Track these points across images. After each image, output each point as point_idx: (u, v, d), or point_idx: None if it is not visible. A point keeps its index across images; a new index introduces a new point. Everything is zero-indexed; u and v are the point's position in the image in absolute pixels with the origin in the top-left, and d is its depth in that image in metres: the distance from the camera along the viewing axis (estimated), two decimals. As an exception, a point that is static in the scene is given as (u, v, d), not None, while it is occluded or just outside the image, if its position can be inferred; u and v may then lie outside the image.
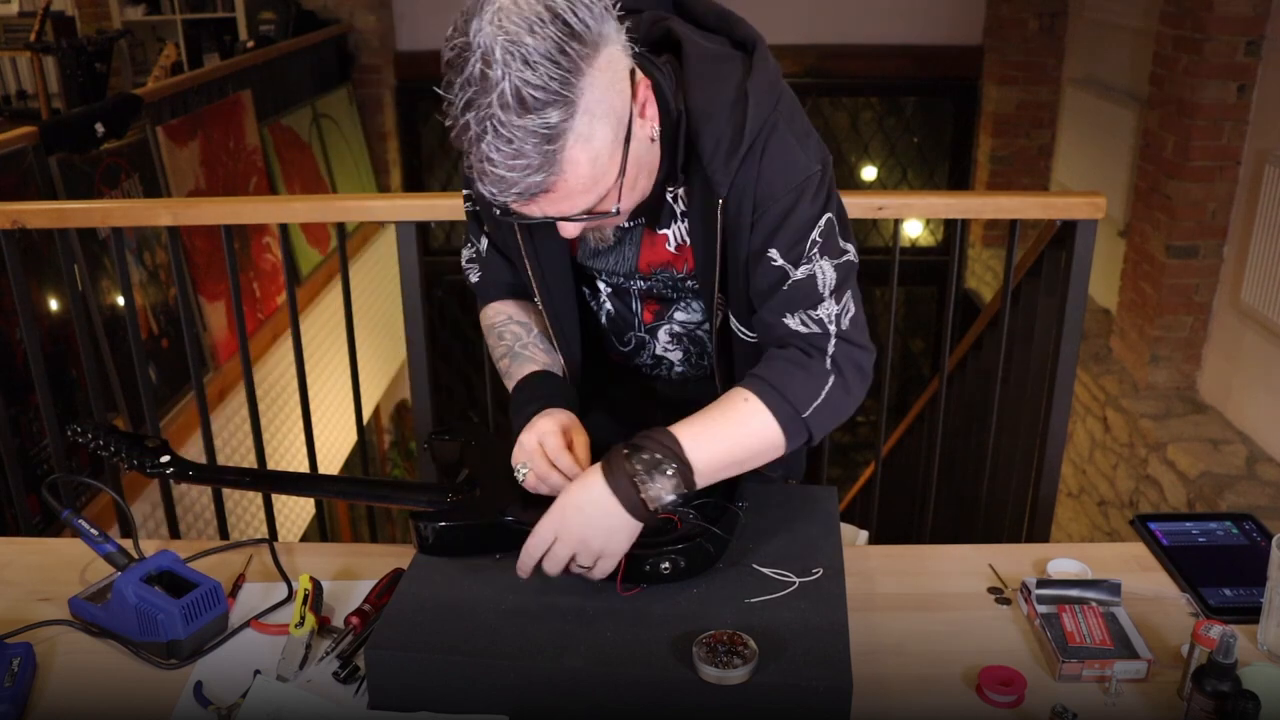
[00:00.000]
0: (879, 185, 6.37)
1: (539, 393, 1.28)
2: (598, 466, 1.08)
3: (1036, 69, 5.57)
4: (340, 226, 2.17)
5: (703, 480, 1.08)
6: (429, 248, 6.36)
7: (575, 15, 0.94)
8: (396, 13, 6.04)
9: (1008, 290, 2.15)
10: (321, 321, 4.61)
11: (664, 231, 1.22)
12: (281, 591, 1.28)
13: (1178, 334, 3.96)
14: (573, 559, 1.08)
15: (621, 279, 1.31)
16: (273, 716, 1.07)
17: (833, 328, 1.13)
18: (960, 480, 2.60)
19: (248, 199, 4.05)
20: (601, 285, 1.35)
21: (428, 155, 6.44)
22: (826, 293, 1.13)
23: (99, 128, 3.40)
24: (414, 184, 6.35)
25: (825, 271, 1.13)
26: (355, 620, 1.18)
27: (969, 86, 5.95)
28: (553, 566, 1.08)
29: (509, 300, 1.40)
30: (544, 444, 1.20)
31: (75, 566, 1.33)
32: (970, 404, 2.75)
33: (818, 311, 1.13)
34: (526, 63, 0.92)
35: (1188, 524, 1.41)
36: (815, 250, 1.12)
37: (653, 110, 1.07)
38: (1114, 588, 1.21)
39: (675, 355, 1.38)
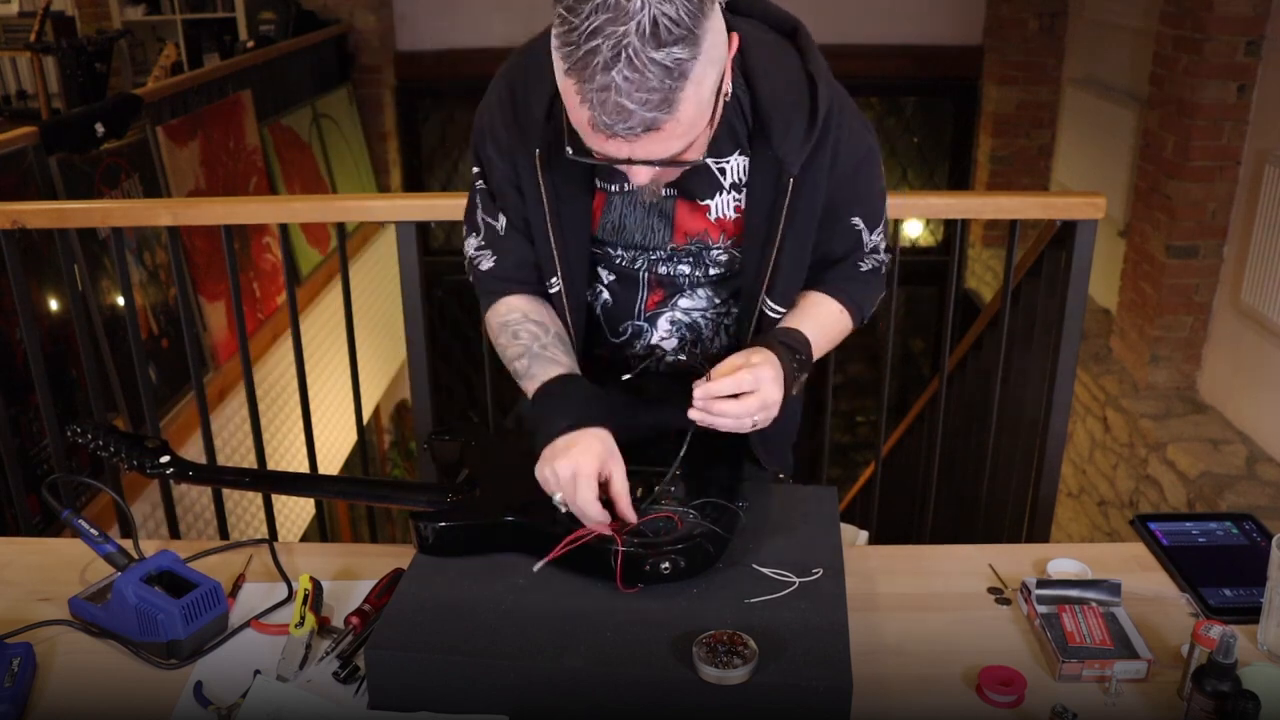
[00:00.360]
0: (879, 185, 6.36)
1: (570, 404, 1.21)
2: (774, 355, 1.18)
3: (1036, 69, 5.58)
4: (340, 226, 2.17)
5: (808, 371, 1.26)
6: (429, 248, 6.36)
7: None
8: (396, 13, 6.04)
9: (1008, 290, 2.15)
10: (321, 321, 4.61)
11: (706, 202, 1.24)
12: (281, 591, 1.28)
13: (1178, 334, 3.96)
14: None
15: (642, 255, 1.30)
16: (273, 716, 1.07)
17: (885, 256, 1.38)
18: (960, 480, 2.60)
19: (248, 199, 4.05)
20: (603, 272, 1.34)
21: (428, 155, 6.44)
22: (885, 235, 1.37)
23: (99, 128, 3.40)
24: (414, 184, 6.35)
25: (888, 226, 1.37)
26: (355, 620, 1.18)
27: (969, 86, 5.95)
28: (742, 409, 1.14)
29: (523, 296, 1.33)
30: (579, 488, 1.14)
31: (75, 566, 1.33)
32: (970, 404, 2.75)
33: (881, 254, 1.36)
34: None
35: (1188, 524, 1.41)
36: (885, 213, 1.34)
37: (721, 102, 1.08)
38: (1114, 588, 1.21)
39: (671, 344, 1.38)
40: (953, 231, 2.17)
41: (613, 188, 1.25)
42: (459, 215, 2.19)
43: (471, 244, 1.35)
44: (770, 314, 1.29)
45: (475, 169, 1.31)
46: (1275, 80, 3.55)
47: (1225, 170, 3.74)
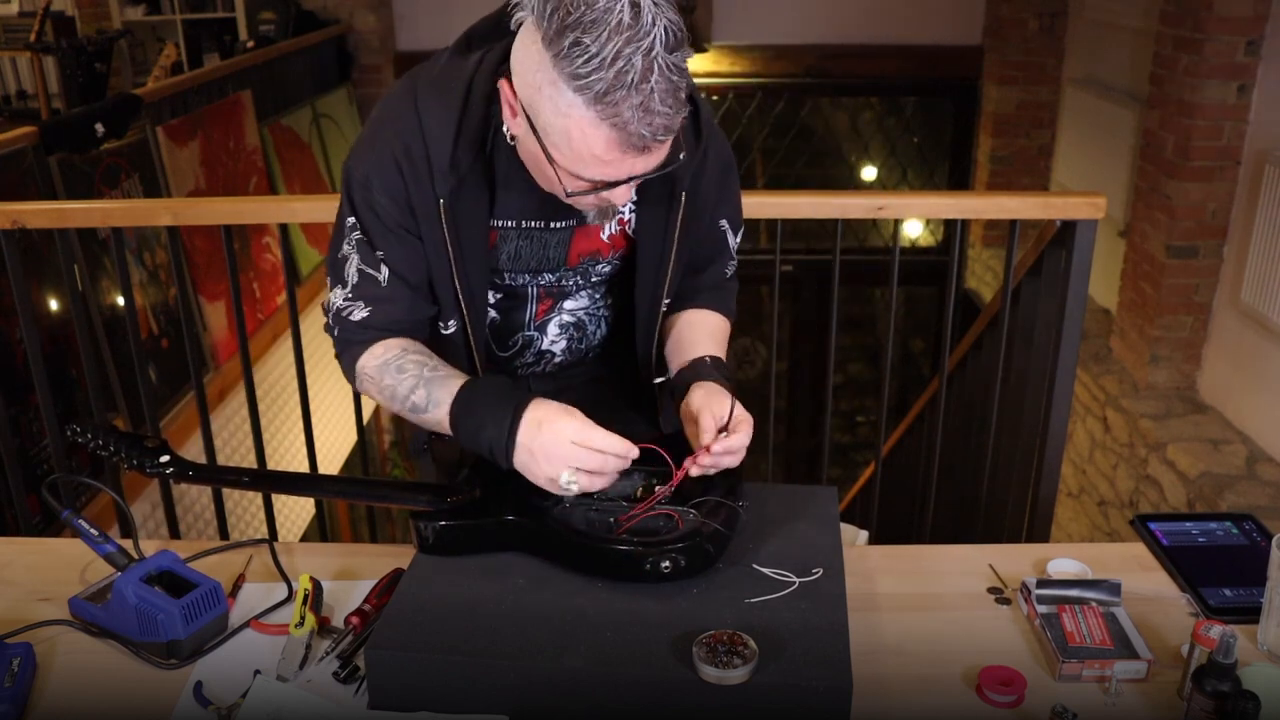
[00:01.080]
0: (879, 185, 6.37)
1: (499, 393, 1.18)
2: (720, 388, 1.24)
3: (1036, 69, 5.58)
4: (340, 226, 2.17)
5: None
6: (429, 248, 6.35)
7: None
8: (396, 13, 6.03)
9: (1008, 290, 2.15)
10: (321, 321, 4.60)
11: (600, 223, 1.28)
12: (282, 591, 1.28)
13: (1178, 334, 3.96)
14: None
15: (537, 277, 1.32)
16: (273, 716, 1.07)
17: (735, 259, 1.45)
18: (960, 480, 2.60)
19: (248, 199, 4.05)
20: (491, 294, 1.33)
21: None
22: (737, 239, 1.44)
23: (99, 128, 3.40)
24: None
25: (741, 227, 1.42)
26: (355, 620, 1.18)
27: (969, 86, 5.95)
28: (741, 447, 1.19)
29: (393, 338, 1.28)
30: (576, 437, 1.11)
31: (75, 566, 1.33)
32: (970, 404, 2.75)
33: (734, 260, 1.44)
34: (657, 4, 0.97)
35: (1188, 524, 1.41)
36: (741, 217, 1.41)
37: None
38: (1114, 588, 1.21)
39: (559, 345, 1.41)
40: (953, 231, 2.18)
41: (509, 224, 1.26)
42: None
43: (338, 295, 1.28)
44: (659, 308, 1.36)
45: (351, 219, 1.24)
46: (1275, 80, 3.55)
47: (1225, 170, 3.74)
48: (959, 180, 6.21)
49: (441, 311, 1.30)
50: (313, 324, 4.94)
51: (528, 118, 1.06)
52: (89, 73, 4.72)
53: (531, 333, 1.39)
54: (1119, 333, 4.30)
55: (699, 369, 1.30)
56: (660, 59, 0.96)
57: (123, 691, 1.12)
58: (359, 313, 1.27)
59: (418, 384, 1.22)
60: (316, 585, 1.21)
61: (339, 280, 1.28)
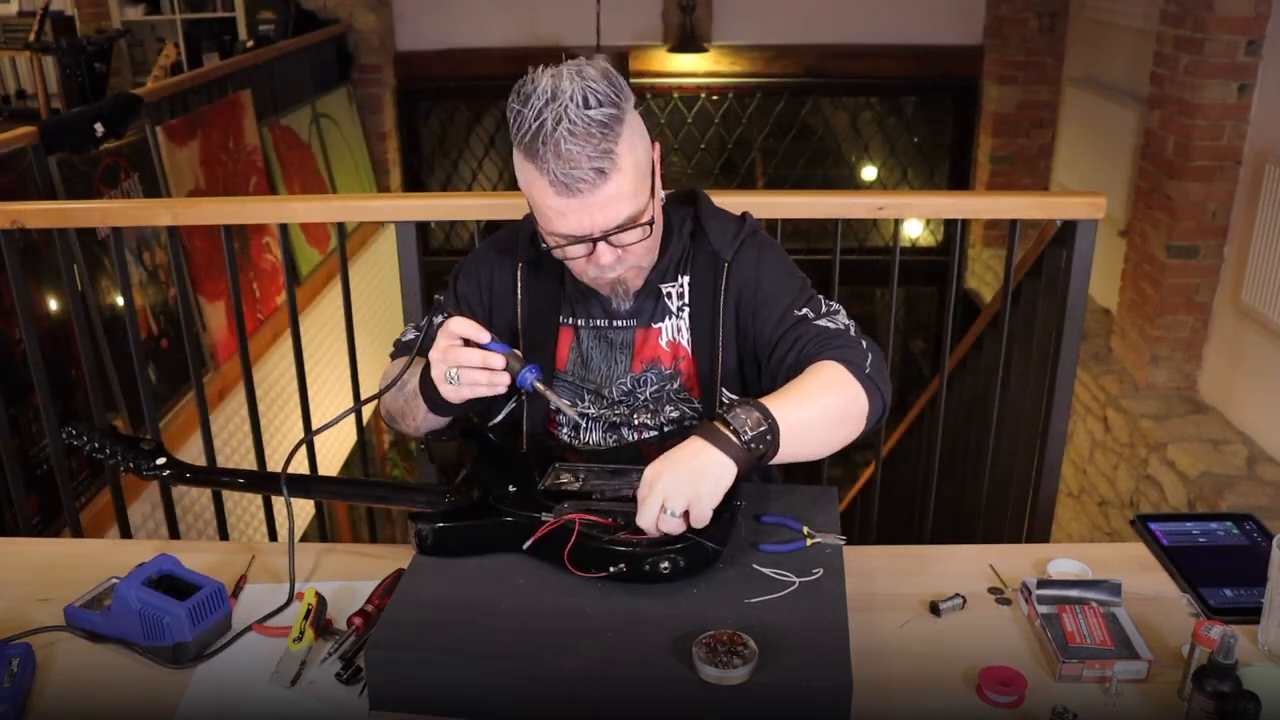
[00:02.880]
0: (879, 185, 6.37)
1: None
2: (691, 434, 1.18)
3: (1036, 69, 5.57)
4: (340, 226, 2.17)
5: (788, 421, 1.17)
6: (429, 248, 6.36)
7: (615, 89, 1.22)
8: (396, 13, 6.03)
9: (1008, 290, 2.14)
10: (321, 321, 4.61)
11: (658, 325, 1.41)
12: (284, 593, 1.27)
13: (1178, 334, 3.95)
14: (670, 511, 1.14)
15: (604, 394, 1.41)
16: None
17: (853, 328, 1.37)
18: (960, 480, 2.60)
19: (248, 199, 4.04)
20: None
21: (428, 155, 6.44)
22: (844, 315, 1.40)
23: (98, 128, 3.40)
24: (414, 184, 6.35)
25: (840, 312, 1.40)
26: (358, 621, 1.18)
27: (969, 86, 5.95)
28: (670, 529, 1.12)
29: None
30: (454, 330, 1.23)
31: (74, 567, 1.33)
32: (970, 404, 2.75)
33: (839, 319, 1.37)
34: (584, 77, 1.19)
35: (1188, 524, 1.41)
36: (835, 310, 1.40)
37: (658, 183, 1.31)
38: (1114, 588, 1.21)
39: (596, 438, 1.48)
40: (953, 231, 2.17)
41: (580, 321, 1.42)
42: (459, 215, 2.20)
43: (409, 330, 1.51)
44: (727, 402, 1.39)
45: (439, 298, 1.49)
46: (1275, 80, 3.55)
47: (1225, 170, 3.74)
48: (959, 180, 6.21)
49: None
50: (313, 324, 4.92)
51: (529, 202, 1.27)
52: (89, 73, 4.72)
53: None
54: (1119, 333, 4.30)
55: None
56: (573, 114, 1.16)
57: (123, 693, 1.12)
58: (409, 334, 1.49)
59: (410, 363, 1.36)
60: (320, 600, 1.20)
61: (406, 331, 1.52)
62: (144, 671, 1.14)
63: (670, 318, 1.41)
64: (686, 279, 1.41)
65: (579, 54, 1.31)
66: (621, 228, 1.24)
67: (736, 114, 6.13)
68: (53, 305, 3.02)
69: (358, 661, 1.13)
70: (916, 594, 1.27)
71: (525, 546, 1.17)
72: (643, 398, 1.41)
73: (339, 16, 5.89)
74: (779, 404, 1.18)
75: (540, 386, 1.24)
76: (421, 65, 6.04)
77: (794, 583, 1.13)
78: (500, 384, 1.24)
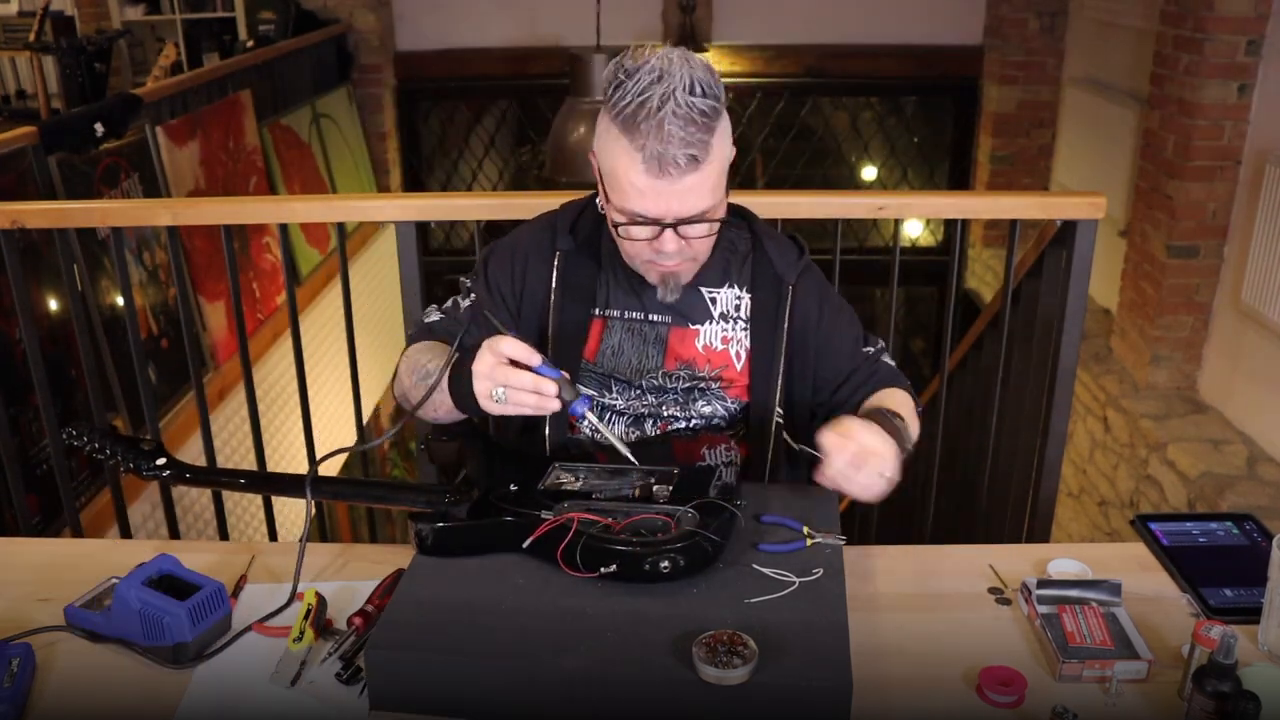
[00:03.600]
0: (879, 185, 6.37)
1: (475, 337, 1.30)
2: (872, 424, 1.25)
3: (1036, 69, 5.57)
4: (340, 226, 2.17)
5: (910, 440, 1.35)
6: (429, 248, 6.35)
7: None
8: (396, 13, 6.03)
9: (1008, 290, 2.14)
10: (321, 321, 4.60)
11: (696, 327, 1.42)
12: (284, 594, 1.27)
13: (1178, 334, 3.95)
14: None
15: (639, 400, 1.41)
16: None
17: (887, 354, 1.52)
18: (960, 481, 2.60)
19: (248, 199, 4.04)
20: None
21: (428, 155, 6.44)
22: (885, 348, 1.53)
23: (98, 128, 3.40)
24: (414, 184, 6.35)
25: (880, 343, 1.53)
26: (358, 621, 1.18)
27: (969, 86, 5.95)
28: (851, 475, 1.21)
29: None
30: (505, 351, 1.19)
31: (74, 567, 1.33)
32: (970, 404, 2.75)
33: (888, 357, 1.51)
34: (692, 65, 1.21)
35: (1188, 524, 1.41)
36: (874, 338, 1.53)
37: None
38: (1114, 588, 1.21)
39: (622, 429, 1.48)
40: (953, 231, 2.17)
41: (614, 313, 1.42)
42: (459, 215, 2.20)
43: (433, 311, 1.49)
44: (779, 425, 1.42)
45: (466, 280, 1.48)
46: (1276, 80, 3.55)
47: (1225, 170, 3.74)
48: (959, 180, 6.21)
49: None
50: (313, 324, 4.92)
51: (599, 173, 1.29)
52: (89, 72, 4.71)
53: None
54: (1119, 333, 4.30)
55: (870, 413, 1.35)
56: (678, 95, 1.18)
57: (123, 693, 1.12)
58: (433, 315, 1.48)
59: (436, 355, 1.36)
60: (321, 600, 1.20)
61: (435, 307, 1.50)
62: (144, 671, 1.14)
63: (711, 323, 1.42)
64: (746, 294, 1.43)
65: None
66: (694, 219, 1.26)
67: (736, 114, 6.13)
68: (53, 305, 3.02)
69: (358, 661, 1.13)
70: (916, 594, 1.27)
71: (525, 545, 1.17)
72: (673, 394, 1.42)
73: (339, 16, 5.89)
74: (909, 429, 1.35)
75: (592, 417, 1.21)
76: (421, 65, 6.04)
77: (794, 583, 1.13)
78: (549, 409, 1.20)
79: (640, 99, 1.19)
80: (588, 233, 1.43)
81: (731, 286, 1.43)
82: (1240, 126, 3.69)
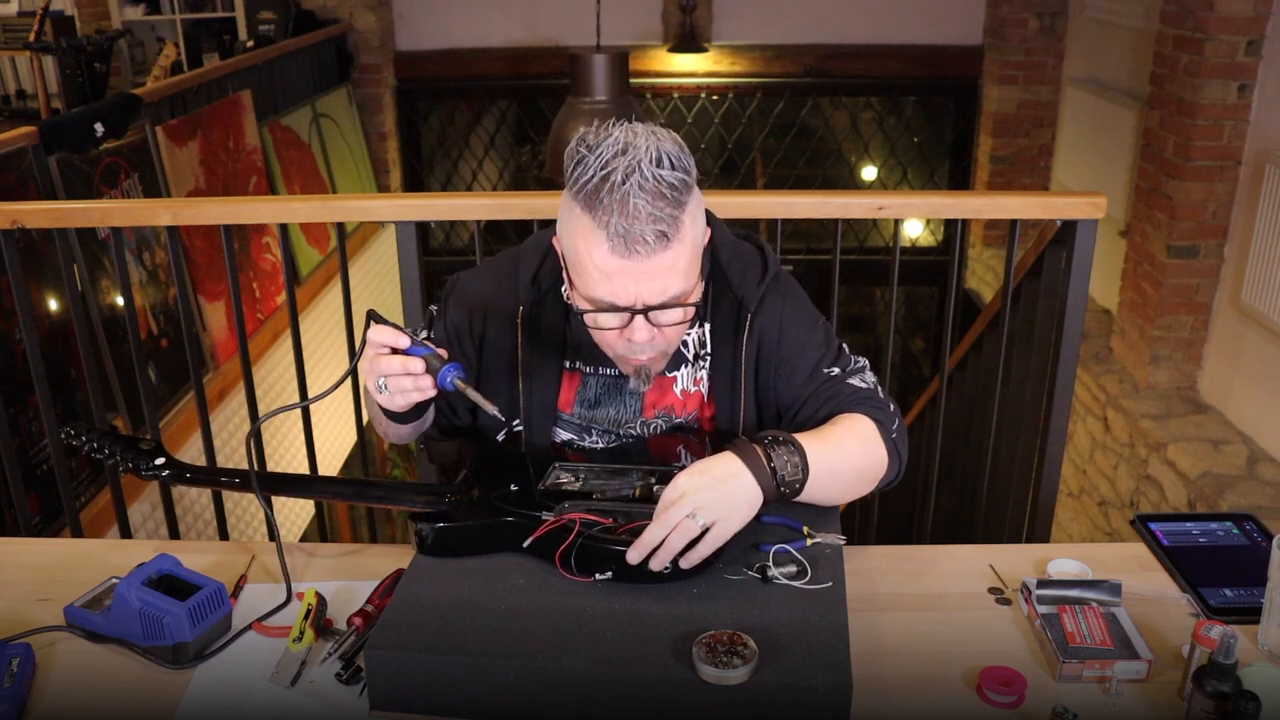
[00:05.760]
0: (879, 185, 6.37)
1: None
2: (726, 449, 1.18)
3: (1036, 69, 5.57)
4: (340, 226, 2.17)
5: (818, 469, 1.20)
6: (429, 248, 6.36)
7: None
8: (396, 13, 6.03)
9: (1008, 290, 2.14)
10: (321, 321, 4.61)
11: (673, 374, 1.36)
12: (283, 593, 1.27)
13: (1178, 334, 3.95)
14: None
15: (614, 431, 1.38)
16: None
17: (880, 390, 1.37)
18: (960, 480, 2.60)
19: (248, 199, 4.04)
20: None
21: (428, 155, 6.44)
22: (870, 372, 1.39)
23: (98, 127, 3.40)
24: (414, 184, 6.35)
25: (865, 368, 1.39)
26: (358, 621, 1.18)
27: (969, 86, 5.95)
28: (679, 541, 1.11)
29: None
30: (377, 339, 1.20)
31: (74, 567, 1.33)
32: (970, 404, 2.75)
33: (866, 377, 1.37)
34: (659, 138, 1.15)
35: (1188, 524, 1.41)
36: (859, 365, 1.39)
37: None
38: (1114, 588, 1.21)
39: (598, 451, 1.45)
40: (953, 231, 2.17)
41: (587, 369, 1.37)
42: (459, 215, 2.19)
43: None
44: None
45: (433, 308, 1.42)
46: (1276, 80, 3.55)
47: (1226, 170, 3.74)
48: (959, 180, 6.21)
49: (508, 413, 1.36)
50: (313, 324, 4.91)
51: (563, 259, 1.23)
52: (89, 72, 4.71)
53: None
54: (1119, 333, 4.30)
55: (756, 435, 1.24)
56: (643, 167, 1.11)
57: (124, 693, 1.12)
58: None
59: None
60: (321, 600, 1.20)
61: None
62: (144, 671, 1.14)
63: (685, 365, 1.36)
64: (707, 326, 1.36)
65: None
66: (665, 305, 1.18)
67: (736, 114, 6.13)
68: (53, 305, 3.02)
69: (358, 661, 1.13)
70: (916, 594, 1.27)
71: (525, 545, 1.17)
72: (653, 435, 1.39)
73: (339, 16, 5.89)
74: (815, 450, 1.20)
75: (461, 384, 1.19)
76: (421, 65, 6.04)
77: (794, 583, 1.13)
78: (425, 387, 1.19)
79: (603, 173, 1.12)
80: (551, 282, 1.34)
81: (699, 325, 1.36)
82: (1240, 126, 3.69)
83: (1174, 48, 3.81)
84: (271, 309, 4.42)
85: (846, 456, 1.25)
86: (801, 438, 1.21)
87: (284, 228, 2.18)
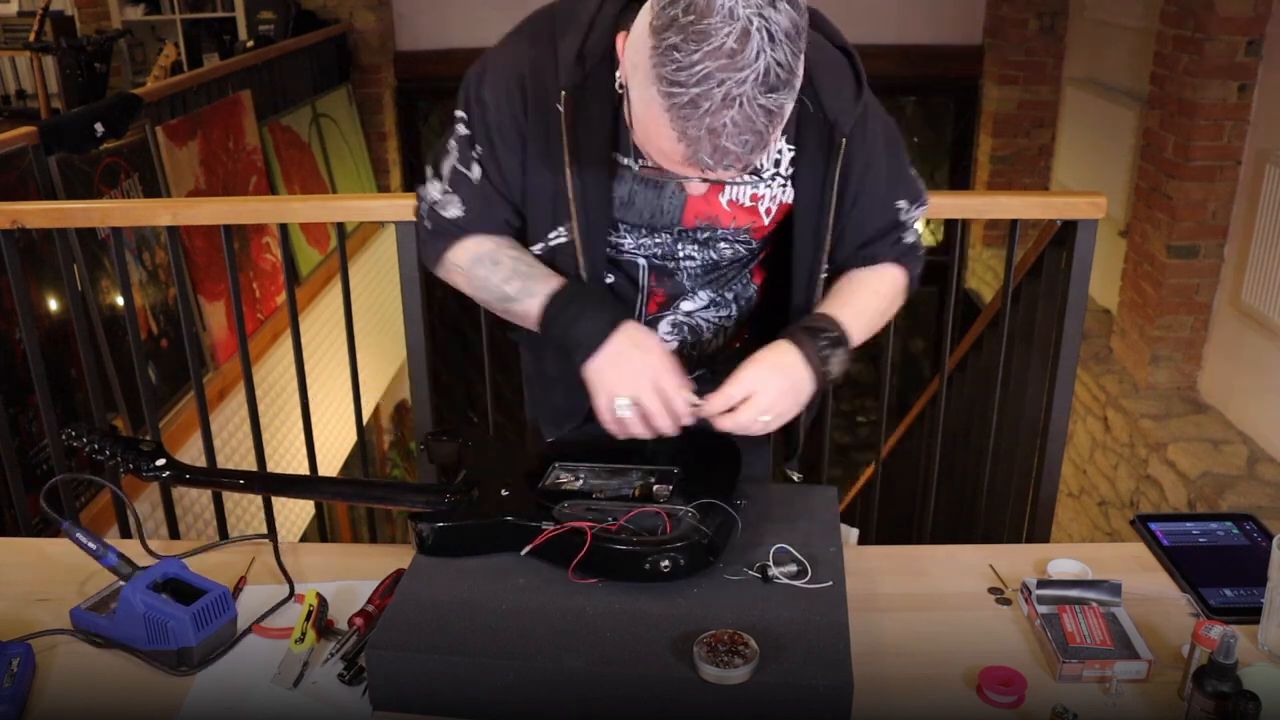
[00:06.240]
0: (879, 185, 6.36)
1: (602, 298, 1.22)
2: (788, 342, 1.19)
3: (1036, 69, 5.57)
4: (340, 226, 2.17)
5: (856, 341, 1.26)
6: (429, 248, 6.34)
7: None
8: (396, 13, 6.03)
9: (1008, 290, 2.14)
10: (321, 321, 4.61)
11: (721, 183, 1.23)
12: (283, 593, 1.27)
13: (1178, 334, 3.95)
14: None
15: (647, 240, 1.29)
16: None
17: (922, 226, 1.38)
18: (960, 480, 2.59)
19: (248, 199, 4.04)
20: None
21: (428, 155, 6.44)
22: (921, 203, 1.37)
23: (98, 127, 3.40)
24: (414, 184, 6.34)
25: (923, 197, 1.37)
26: (359, 621, 1.18)
27: (969, 86, 5.95)
28: (746, 419, 1.14)
29: (489, 235, 1.30)
30: (662, 383, 1.16)
31: (74, 568, 1.33)
32: (970, 404, 2.75)
33: (919, 226, 1.37)
34: (773, 40, 0.93)
35: (1188, 524, 1.41)
36: (919, 183, 1.36)
37: None
38: (1114, 588, 1.21)
39: (670, 346, 1.38)
40: (953, 231, 2.17)
41: (625, 160, 1.22)
42: (459, 215, 2.19)
43: (435, 189, 1.31)
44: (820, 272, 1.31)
45: (461, 113, 1.27)
46: (1276, 80, 3.55)
47: (1226, 170, 3.74)
48: (959, 180, 6.21)
49: (556, 215, 1.25)
50: (313, 324, 4.91)
51: (626, 93, 1.06)
52: (89, 72, 4.72)
53: (641, 323, 1.34)
54: (1119, 333, 4.30)
55: (794, 328, 1.22)
56: (747, 97, 0.94)
57: (125, 694, 1.11)
58: (453, 209, 1.30)
59: (513, 275, 1.26)
60: (322, 601, 1.20)
61: (436, 173, 1.31)
62: (147, 673, 1.14)
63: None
64: (787, 147, 1.21)
65: None
66: (735, 178, 1.12)
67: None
68: (53, 305, 3.02)
69: (360, 662, 1.13)
70: (916, 594, 1.27)
71: (524, 552, 1.17)
72: (690, 242, 1.30)
73: (339, 16, 5.89)
74: (855, 333, 1.25)
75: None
76: (421, 65, 6.04)
77: (794, 583, 1.13)
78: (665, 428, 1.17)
79: (697, 90, 0.93)
80: (596, 61, 1.15)
81: (796, 140, 1.22)
82: (1240, 126, 3.69)
83: (1174, 48, 3.81)
84: (271, 309, 4.42)
85: (875, 320, 1.32)
86: (853, 324, 1.24)
87: (284, 228, 2.17)
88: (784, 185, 1.25)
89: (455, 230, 1.31)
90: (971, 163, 6.11)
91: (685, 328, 1.37)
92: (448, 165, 1.30)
